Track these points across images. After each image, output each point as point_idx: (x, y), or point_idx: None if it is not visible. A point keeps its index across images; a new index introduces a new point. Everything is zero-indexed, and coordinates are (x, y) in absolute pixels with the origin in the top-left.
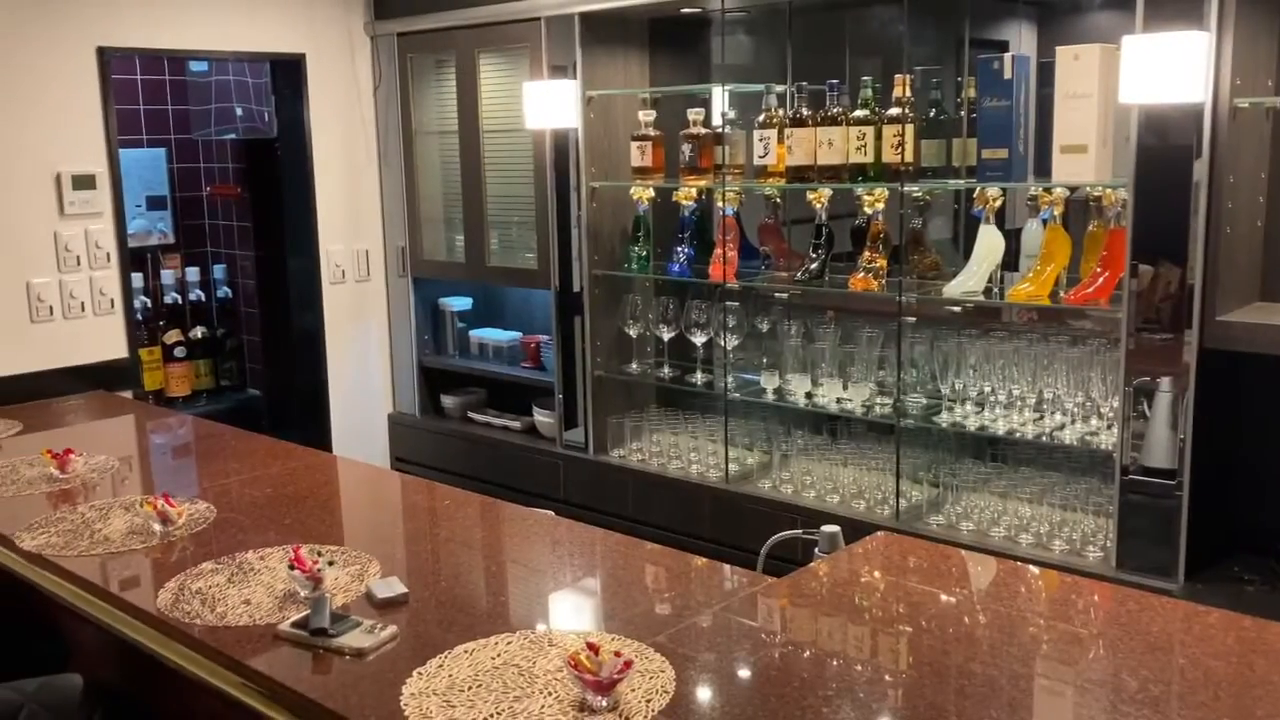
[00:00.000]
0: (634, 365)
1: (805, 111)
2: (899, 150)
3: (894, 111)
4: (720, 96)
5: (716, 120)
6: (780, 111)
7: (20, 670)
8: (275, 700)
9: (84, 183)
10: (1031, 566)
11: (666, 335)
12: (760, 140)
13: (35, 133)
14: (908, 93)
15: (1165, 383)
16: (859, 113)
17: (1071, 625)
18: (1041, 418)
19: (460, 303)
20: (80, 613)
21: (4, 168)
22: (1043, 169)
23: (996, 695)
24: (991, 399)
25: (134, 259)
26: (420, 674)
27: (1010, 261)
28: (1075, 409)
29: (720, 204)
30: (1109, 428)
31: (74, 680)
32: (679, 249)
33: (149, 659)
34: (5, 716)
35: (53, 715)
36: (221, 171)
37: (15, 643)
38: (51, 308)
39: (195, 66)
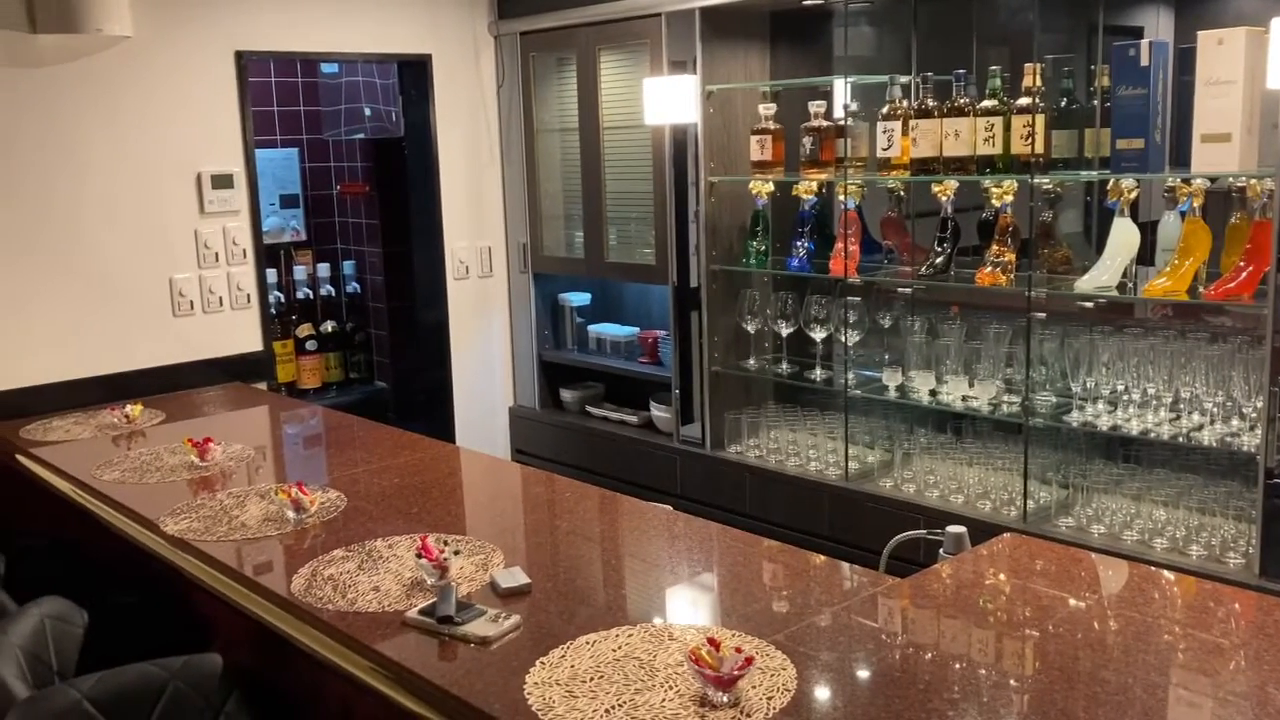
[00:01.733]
0: (751, 361)
1: (931, 102)
2: (1029, 141)
3: (1023, 101)
4: (842, 88)
5: (838, 113)
6: (905, 103)
7: (165, 648)
8: (402, 685)
9: (223, 182)
10: (1167, 572)
11: (785, 331)
12: (884, 132)
13: (178, 134)
14: (1038, 82)
15: None
16: (987, 103)
17: (1211, 634)
18: (1178, 418)
19: (579, 298)
20: (219, 595)
21: (150, 168)
22: (1181, 159)
23: (1130, 704)
24: (1125, 398)
25: (268, 255)
26: (543, 664)
27: (1145, 255)
28: (1215, 409)
29: (841, 197)
30: (1252, 429)
31: (214, 660)
32: (798, 243)
33: (283, 641)
34: (151, 691)
35: (194, 692)
36: (351, 170)
37: (161, 622)
38: (192, 302)
39: (326, 69)
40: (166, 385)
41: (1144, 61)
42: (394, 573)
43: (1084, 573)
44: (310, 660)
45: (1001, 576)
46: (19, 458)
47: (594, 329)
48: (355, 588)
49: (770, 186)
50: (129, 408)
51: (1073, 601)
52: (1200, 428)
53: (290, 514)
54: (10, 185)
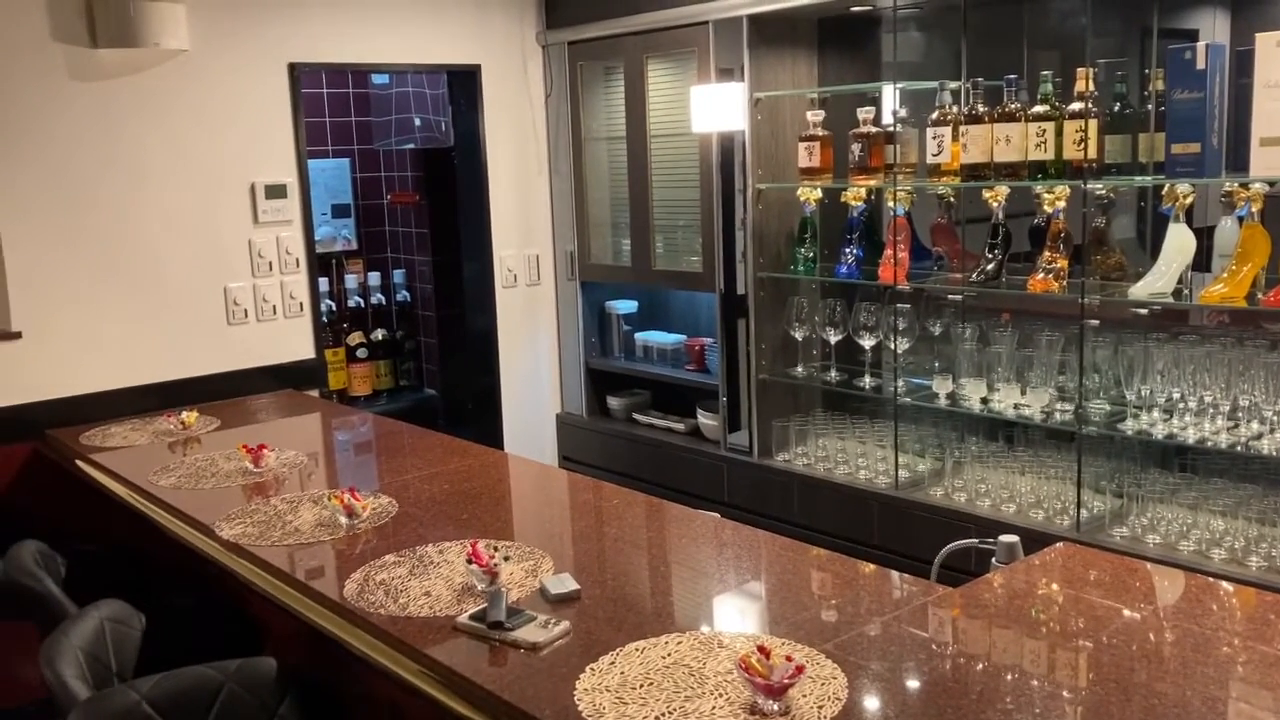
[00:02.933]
0: (799, 368)
1: (981, 108)
2: (1081, 146)
3: (1075, 106)
4: (891, 94)
5: (887, 119)
6: (955, 108)
7: (221, 651)
8: (453, 689)
9: (276, 192)
10: (1225, 583)
11: (833, 338)
12: (934, 138)
13: (232, 145)
14: (1090, 86)
15: None
16: (1038, 108)
17: (1272, 647)
18: (1236, 426)
19: (626, 306)
20: (273, 599)
21: (205, 178)
22: (1238, 163)
23: (1188, 717)
24: (1181, 406)
25: (320, 264)
26: (593, 670)
27: (1201, 262)
28: (1274, 417)
29: (890, 204)
30: None
31: (269, 663)
32: (847, 250)
33: (335, 645)
34: (208, 693)
35: (249, 694)
36: (401, 180)
37: (216, 625)
38: (246, 311)
39: (377, 79)
40: (221, 392)
41: (1200, 64)
42: (445, 578)
43: (1139, 583)
44: (362, 664)
45: (1055, 586)
46: (79, 463)
47: (641, 336)
48: (406, 592)
49: (818, 193)
50: (184, 414)
51: (1128, 612)
52: (1259, 436)
53: (342, 519)
54: (70, 195)
